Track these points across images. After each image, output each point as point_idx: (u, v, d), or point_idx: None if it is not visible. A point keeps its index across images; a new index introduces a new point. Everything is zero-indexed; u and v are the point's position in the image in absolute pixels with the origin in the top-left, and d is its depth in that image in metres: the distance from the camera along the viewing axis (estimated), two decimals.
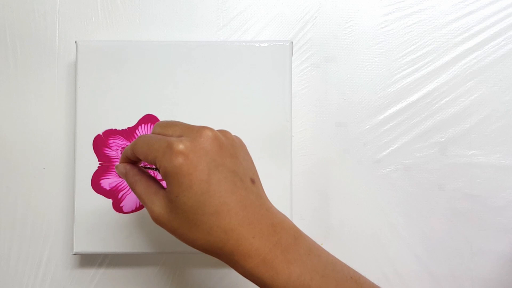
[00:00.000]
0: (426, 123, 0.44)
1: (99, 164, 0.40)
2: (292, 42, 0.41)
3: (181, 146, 0.25)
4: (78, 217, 0.39)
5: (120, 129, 0.40)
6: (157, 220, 0.27)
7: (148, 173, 0.30)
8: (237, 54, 0.40)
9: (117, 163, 0.31)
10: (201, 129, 0.26)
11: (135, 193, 0.29)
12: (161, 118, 0.40)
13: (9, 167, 0.43)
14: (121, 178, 0.40)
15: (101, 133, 0.40)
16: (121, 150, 0.40)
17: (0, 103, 0.44)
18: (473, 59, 0.44)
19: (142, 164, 0.33)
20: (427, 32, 0.44)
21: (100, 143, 0.40)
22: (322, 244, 0.43)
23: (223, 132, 0.28)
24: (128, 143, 0.40)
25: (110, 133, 0.40)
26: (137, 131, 0.40)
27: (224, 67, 0.40)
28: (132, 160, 0.30)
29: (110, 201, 0.40)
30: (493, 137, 0.44)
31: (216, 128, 0.28)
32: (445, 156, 0.44)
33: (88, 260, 0.43)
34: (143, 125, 0.40)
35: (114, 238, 0.39)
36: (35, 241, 0.43)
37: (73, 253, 0.39)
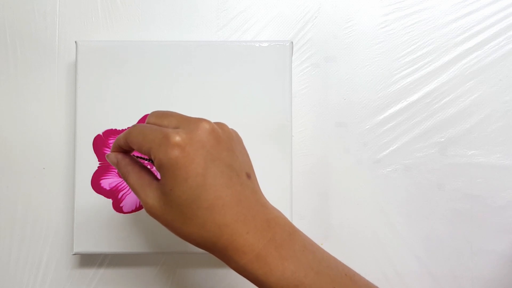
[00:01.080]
0: (426, 123, 0.44)
1: (99, 164, 0.40)
2: (292, 42, 0.41)
3: (177, 138, 0.24)
4: (78, 217, 0.39)
5: (120, 129, 0.40)
6: (150, 212, 0.27)
7: (140, 163, 0.30)
8: (237, 54, 0.40)
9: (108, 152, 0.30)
10: (198, 121, 0.26)
11: (128, 183, 0.28)
12: None
13: (9, 167, 0.43)
14: (121, 178, 0.40)
15: (101, 133, 0.40)
16: None
17: (0, 103, 0.44)
18: (473, 59, 0.44)
19: (134, 153, 0.32)
20: (427, 32, 0.44)
21: (100, 143, 0.40)
22: (322, 244, 0.43)
23: (220, 125, 0.27)
24: None
25: (110, 133, 0.40)
26: None
27: (224, 67, 0.40)
28: (124, 149, 0.29)
29: (110, 201, 0.40)
30: (493, 137, 0.44)
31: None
32: (445, 156, 0.44)
33: (88, 260, 0.43)
34: None
35: (114, 238, 0.39)
36: (35, 241, 0.43)
37: (73, 253, 0.39)
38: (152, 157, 0.25)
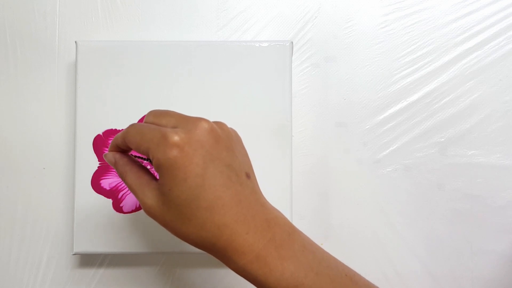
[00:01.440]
0: (426, 123, 0.44)
1: (99, 164, 0.40)
2: (292, 42, 0.41)
3: (176, 138, 0.24)
4: (78, 217, 0.39)
5: (120, 129, 0.40)
6: (149, 212, 0.26)
7: (139, 162, 0.29)
8: (237, 54, 0.40)
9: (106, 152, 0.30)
10: (197, 120, 0.26)
11: (126, 183, 0.28)
12: None
13: (9, 167, 0.43)
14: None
15: (101, 133, 0.40)
16: None
17: (0, 103, 0.44)
18: (473, 59, 0.44)
19: (132, 153, 0.32)
20: (427, 32, 0.44)
21: (100, 143, 0.40)
22: (322, 244, 0.43)
23: (219, 124, 0.27)
24: None
25: (110, 133, 0.40)
26: None
27: (224, 67, 0.40)
28: (122, 149, 0.29)
29: (110, 201, 0.40)
30: (493, 137, 0.44)
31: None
32: (445, 156, 0.44)
33: (88, 260, 0.43)
34: None
35: (114, 238, 0.39)
36: (35, 241, 0.43)
37: (73, 253, 0.39)
38: (150, 157, 0.25)
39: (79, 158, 0.40)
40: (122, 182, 0.40)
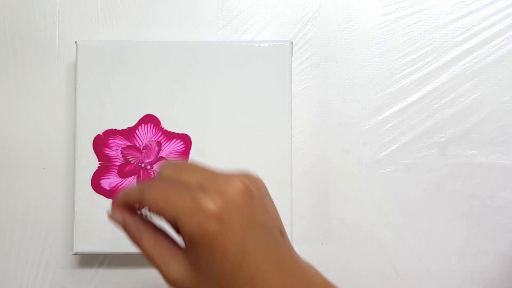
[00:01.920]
0: (426, 123, 0.44)
1: (99, 164, 0.40)
2: (292, 42, 0.41)
3: (212, 207, 0.21)
4: (78, 217, 0.39)
5: (120, 129, 0.40)
6: (174, 284, 0.23)
7: (153, 223, 0.25)
8: (237, 54, 0.40)
9: (110, 209, 0.26)
10: (228, 179, 0.22)
11: (141, 250, 0.24)
12: (161, 118, 0.40)
13: (9, 167, 0.43)
14: (121, 178, 0.40)
15: (101, 133, 0.40)
16: (121, 150, 0.40)
17: (0, 103, 0.44)
18: (473, 59, 0.44)
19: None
20: (427, 32, 0.44)
21: (100, 143, 0.40)
22: (322, 244, 0.43)
23: (249, 178, 0.23)
24: (128, 143, 0.40)
25: (110, 133, 0.40)
26: (137, 131, 0.40)
27: (224, 67, 0.40)
28: (131, 205, 0.25)
29: (110, 201, 0.40)
30: (493, 137, 0.44)
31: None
32: (445, 156, 0.44)
33: (88, 260, 0.43)
34: (143, 125, 0.40)
35: (114, 238, 0.39)
36: (35, 241, 0.43)
37: (73, 253, 0.39)
38: (180, 226, 0.22)
39: (79, 158, 0.40)
40: (122, 182, 0.40)
